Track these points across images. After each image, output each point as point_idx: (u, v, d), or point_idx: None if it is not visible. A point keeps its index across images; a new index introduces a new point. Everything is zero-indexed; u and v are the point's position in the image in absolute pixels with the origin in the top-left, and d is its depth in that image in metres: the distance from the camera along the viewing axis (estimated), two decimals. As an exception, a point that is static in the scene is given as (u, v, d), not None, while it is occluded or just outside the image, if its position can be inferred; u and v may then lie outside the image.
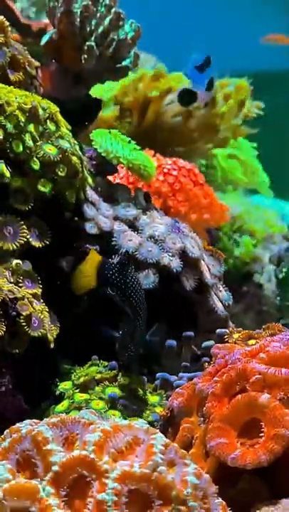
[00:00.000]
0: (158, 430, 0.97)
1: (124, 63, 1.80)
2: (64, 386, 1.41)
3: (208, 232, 2.65)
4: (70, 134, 1.51)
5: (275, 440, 1.05)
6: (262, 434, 1.07)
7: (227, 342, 1.44)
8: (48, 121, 1.46)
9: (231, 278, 2.72)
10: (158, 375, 1.47)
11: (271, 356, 1.17)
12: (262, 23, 4.79)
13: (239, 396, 1.12)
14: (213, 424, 1.12)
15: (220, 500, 0.97)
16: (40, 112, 1.44)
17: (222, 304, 1.67)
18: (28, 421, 0.99)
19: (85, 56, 1.72)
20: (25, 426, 0.97)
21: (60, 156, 1.44)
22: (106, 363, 1.45)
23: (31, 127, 1.42)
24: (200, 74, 1.88)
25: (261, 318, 2.71)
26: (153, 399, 1.41)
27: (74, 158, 1.46)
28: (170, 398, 1.29)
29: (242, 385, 1.15)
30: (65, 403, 1.37)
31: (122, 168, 1.94)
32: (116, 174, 2.12)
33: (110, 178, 1.85)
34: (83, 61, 1.73)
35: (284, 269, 2.78)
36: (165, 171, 2.42)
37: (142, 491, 0.88)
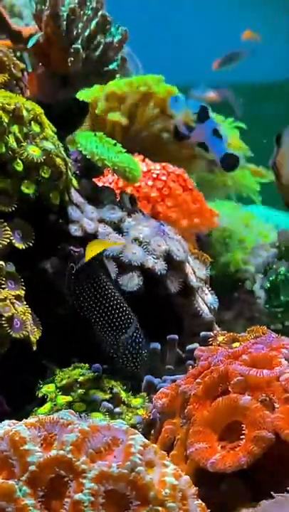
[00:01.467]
0: (137, 431, 0.96)
1: (110, 67, 1.80)
2: (47, 389, 1.40)
3: (198, 239, 2.65)
4: (55, 135, 1.50)
5: (255, 442, 1.04)
6: (243, 437, 1.06)
7: (211, 345, 1.43)
8: (32, 122, 1.45)
9: (222, 285, 2.71)
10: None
11: (253, 358, 1.17)
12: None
13: (220, 399, 1.12)
14: (194, 428, 1.11)
15: (199, 501, 0.96)
16: (24, 113, 1.43)
17: (207, 307, 1.66)
18: (6, 421, 0.98)
19: (71, 59, 1.72)
20: (3, 426, 0.96)
21: (44, 157, 1.44)
22: (88, 366, 1.44)
23: (15, 128, 1.42)
24: (217, 140, 1.93)
25: (252, 325, 2.70)
26: (136, 401, 1.40)
27: (58, 160, 1.45)
28: (154, 398, 1.28)
29: (224, 386, 1.14)
30: (47, 406, 1.36)
31: (112, 173, 1.94)
32: (105, 179, 2.12)
33: (100, 183, 1.85)
34: (69, 64, 1.73)
35: (270, 278, 2.77)
36: (154, 176, 2.41)
37: (120, 491, 0.88)
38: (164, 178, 2.40)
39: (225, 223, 2.85)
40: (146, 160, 2.43)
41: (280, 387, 1.10)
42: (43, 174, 1.44)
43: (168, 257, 1.59)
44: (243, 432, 1.07)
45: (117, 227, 1.62)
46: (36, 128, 1.46)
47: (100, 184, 1.90)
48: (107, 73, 1.80)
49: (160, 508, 0.88)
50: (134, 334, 1.43)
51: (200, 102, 2.01)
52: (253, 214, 3.31)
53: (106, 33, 1.77)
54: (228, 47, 4.70)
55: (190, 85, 2.86)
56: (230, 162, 2.00)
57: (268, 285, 2.73)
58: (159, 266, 1.56)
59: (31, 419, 0.97)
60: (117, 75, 1.84)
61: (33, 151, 1.43)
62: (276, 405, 1.09)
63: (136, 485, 0.88)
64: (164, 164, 2.45)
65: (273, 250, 2.85)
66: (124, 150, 1.70)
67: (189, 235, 2.46)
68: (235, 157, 2.02)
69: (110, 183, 2.18)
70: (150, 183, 2.37)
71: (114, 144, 1.70)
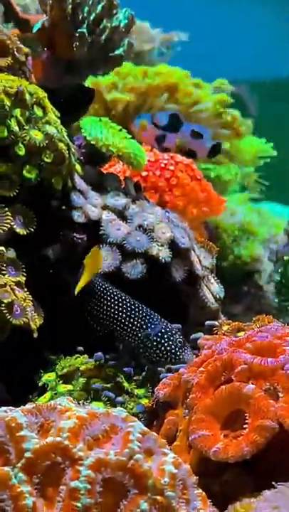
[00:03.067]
0: (136, 419, 0.94)
1: (117, 52, 1.77)
2: (48, 377, 1.38)
3: (207, 230, 2.63)
4: (58, 120, 1.48)
5: (259, 432, 1.02)
6: (246, 426, 1.04)
7: (216, 334, 1.41)
8: (34, 106, 1.43)
9: (232, 278, 2.70)
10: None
11: (258, 346, 1.14)
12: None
13: (223, 387, 1.09)
14: (196, 416, 1.09)
15: (200, 490, 0.94)
16: (27, 96, 1.41)
17: (213, 296, 1.64)
18: (3, 408, 0.96)
19: (77, 44, 1.69)
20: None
21: (47, 141, 1.41)
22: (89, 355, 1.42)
23: (17, 112, 1.40)
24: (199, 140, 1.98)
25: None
26: (139, 391, 1.38)
27: (61, 145, 1.43)
28: (156, 388, 1.26)
29: (228, 375, 1.12)
30: (47, 394, 1.34)
31: (120, 162, 1.91)
32: (113, 169, 2.10)
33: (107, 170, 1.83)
34: (75, 49, 1.70)
35: (280, 270, 2.75)
36: (162, 165, 2.39)
37: (117, 479, 0.85)
38: (172, 167, 2.38)
39: (236, 216, 2.84)
40: (154, 150, 2.42)
41: (285, 376, 1.07)
42: (45, 159, 1.41)
43: (173, 245, 1.56)
44: (247, 420, 1.04)
45: (121, 214, 1.59)
46: (39, 112, 1.43)
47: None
48: (113, 58, 1.77)
49: (159, 497, 0.86)
50: (163, 330, 1.41)
51: (167, 113, 2.02)
52: (265, 208, 3.30)
53: (112, 17, 1.74)
54: (243, 43, 4.69)
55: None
56: (215, 151, 2.06)
57: (278, 278, 2.72)
58: (164, 253, 1.53)
59: (28, 406, 0.95)
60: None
61: (36, 135, 1.41)
62: (280, 394, 1.06)
63: (134, 473, 0.86)
64: (172, 154, 2.43)
65: (284, 241, 2.83)
66: (130, 136, 1.67)
67: (198, 224, 2.45)
68: (219, 144, 2.12)
69: (118, 172, 2.16)
70: (158, 172, 2.36)
71: (120, 130, 1.67)
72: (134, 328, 1.40)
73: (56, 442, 0.87)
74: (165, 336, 1.39)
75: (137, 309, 1.41)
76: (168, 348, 1.39)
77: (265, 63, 4.59)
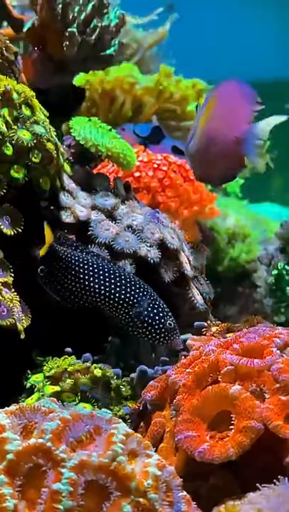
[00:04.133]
0: (121, 420, 0.93)
1: (108, 51, 1.77)
2: (35, 378, 1.37)
3: (202, 232, 2.62)
4: (47, 119, 1.47)
5: (244, 433, 1.01)
6: (232, 427, 1.03)
7: (205, 335, 1.40)
8: (22, 105, 1.42)
9: (226, 280, 2.69)
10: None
11: (245, 347, 1.14)
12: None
13: (210, 387, 1.09)
14: (182, 417, 1.08)
15: (184, 493, 0.93)
16: (15, 95, 1.40)
17: (203, 297, 1.63)
18: (-13, 409, 0.95)
19: (67, 43, 1.69)
20: (-18, 414, 0.93)
21: (35, 141, 1.40)
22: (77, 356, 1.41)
23: (5, 111, 1.39)
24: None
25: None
26: (127, 392, 1.37)
27: (49, 144, 1.42)
28: (143, 391, 1.25)
29: (214, 376, 1.12)
30: (35, 396, 1.33)
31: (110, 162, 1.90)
32: (105, 169, 2.09)
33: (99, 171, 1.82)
34: (65, 48, 1.70)
35: (274, 272, 2.74)
36: (155, 166, 2.38)
37: (100, 481, 0.85)
38: (164, 168, 2.37)
39: (230, 219, 2.83)
40: (148, 150, 2.41)
41: (271, 377, 1.07)
42: (33, 159, 1.40)
43: (162, 245, 1.56)
44: (233, 422, 1.04)
45: (110, 215, 1.58)
46: (27, 111, 1.42)
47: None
48: (104, 58, 1.77)
49: (142, 500, 0.85)
50: (151, 305, 1.39)
51: (150, 124, 2.01)
52: (260, 211, 3.30)
53: (103, 17, 1.73)
54: (241, 44, 4.68)
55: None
56: None
57: (272, 280, 2.71)
58: (153, 254, 1.53)
59: (12, 407, 0.94)
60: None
61: (24, 135, 1.40)
62: (266, 395, 1.06)
63: (116, 475, 0.85)
64: (165, 154, 2.42)
65: (276, 244, 2.82)
66: (120, 136, 1.67)
67: (191, 225, 2.44)
68: None
69: (110, 173, 2.16)
70: (151, 173, 2.35)
71: (110, 130, 1.66)
72: (123, 303, 1.38)
73: (39, 444, 0.86)
74: (156, 318, 1.38)
75: (124, 279, 1.40)
76: (158, 330, 1.38)
77: (266, 64, 4.58)
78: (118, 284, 1.38)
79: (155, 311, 1.38)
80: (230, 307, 2.78)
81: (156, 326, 1.38)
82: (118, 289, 1.38)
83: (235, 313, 2.76)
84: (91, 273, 1.38)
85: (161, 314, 1.38)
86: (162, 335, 1.38)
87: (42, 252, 1.37)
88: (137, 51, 2.81)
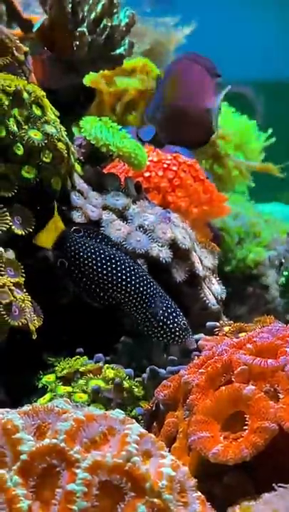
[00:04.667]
0: (134, 421, 0.93)
1: (118, 51, 1.76)
2: (47, 379, 1.37)
3: (212, 232, 2.62)
4: (57, 119, 1.47)
5: (258, 434, 1.00)
6: (246, 427, 1.03)
7: (217, 335, 1.40)
8: (33, 105, 1.41)
9: (236, 280, 2.68)
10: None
11: (258, 347, 1.13)
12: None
13: (223, 388, 1.08)
14: (196, 417, 1.08)
15: (198, 493, 0.93)
16: (25, 95, 1.40)
17: (214, 297, 1.62)
18: (0, 410, 0.95)
19: (77, 43, 1.68)
20: (-5, 415, 0.93)
21: (46, 141, 1.40)
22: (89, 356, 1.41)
23: (15, 111, 1.38)
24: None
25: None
26: (139, 392, 1.36)
27: (60, 144, 1.42)
28: (156, 391, 1.25)
29: (228, 376, 1.11)
30: (47, 396, 1.33)
31: (120, 162, 1.90)
32: (115, 169, 2.09)
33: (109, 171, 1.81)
34: (75, 48, 1.69)
35: (285, 272, 2.73)
36: (165, 166, 2.38)
37: (114, 482, 0.84)
38: (174, 168, 2.36)
39: (241, 221, 2.83)
40: (158, 150, 2.40)
41: (285, 377, 1.06)
42: (44, 159, 1.40)
43: (173, 245, 1.55)
44: (247, 422, 1.03)
45: (121, 215, 1.58)
46: (37, 111, 1.42)
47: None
48: (114, 58, 1.77)
49: (156, 500, 0.84)
50: (165, 304, 1.39)
51: (152, 129, 2.02)
52: (269, 211, 3.29)
53: (113, 16, 1.73)
54: (243, 45, 4.67)
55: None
56: None
57: (283, 281, 2.70)
58: (164, 254, 1.52)
59: (25, 408, 0.94)
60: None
61: (35, 135, 1.40)
62: (280, 396, 1.05)
63: (131, 476, 0.84)
64: (175, 154, 2.42)
65: (287, 244, 2.81)
66: (130, 136, 1.66)
67: (201, 225, 2.44)
68: None
69: (121, 173, 2.15)
70: (161, 173, 2.34)
71: (120, 130, 1.66)
72: (142, 302, 1.38)
73: (52, 445, 0.86)
74: (170, 317, 1.38)
75: (144, 278, 1.40)
76: (172, 330, 1.38)
77: (272, 64, 4.57)
78: (139, 281, 1.39)
79: (169, 310, 1.39)
80: (240, 307, 2.77)
81: (171, 326, 1.38)
82: (140, 287, 1.38)
83: (245, 313, 2.75)
84: (115, 266, 1.38)
85: (174, 314, 1.38)
86: (177, 334, 1.38)
87: (49, 239, 1.37)
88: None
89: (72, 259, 1.39)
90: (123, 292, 1.38)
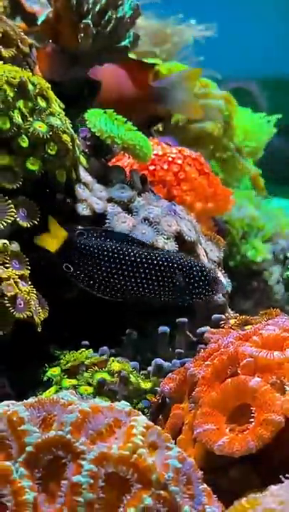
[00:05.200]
0: (140, 413, 0.93)
1: (123, 43, 1.76)
2: (52, 372, 1.37)
3: (217, 225, 2.61)
4: (62, 111, 1.46)
5: (265, 426, 1.00)
6: (252, 420, 1.02)
7: (223, 328, 1.39)
8: (38, 97, 1.41)
9: (241, 274, 2.68)
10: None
11: (264, 339, 1.13)
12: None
13: (229, 380, 1.08)
14: (202, 409, 1.08)
15: (204, 486, 0.92)
16: (30, 87, 1.39)
17: (220, 290, 1.62)
18: (5, 402, 0.94)
19: (82, 35, 1.68)
20: (1, 407, 0.92)
21: (51, 133, 1.39)
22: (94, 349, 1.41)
23: (20, 103, 1.37)
24: None
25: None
26: (145, 385, 1.36)
27: (65, 136, 1.41)
28: (161, 383, 1.24)
29: (234, 369, 1.11)
30: (52, 389, 1.33)
31: (128, 156, 1.89)
32: (120, 162, 2.08)
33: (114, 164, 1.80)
34: (80, 40, 1.69)
35: (289, 266, 2.73)
36: (170, 159, 2.37)
37: (121, 474, 0.84)
38: (179, 161, 2.36)
39: (244, 212, 2.82)
40: (162, 143, 2.40)
41: (292, 370, 1.05)
42: (49, 151, 1.39)
43: (179, 238, 1.55)
44: (253, 414, 1.03)
45: (127, 207, 1.57)
46: (42, 103, 1.41)
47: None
48: (119, 50, 1.76)
49: (162, 492, 0.84)
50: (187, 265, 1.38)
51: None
52: (274, 204, 3.29)
53: (118, 8, 1.72)
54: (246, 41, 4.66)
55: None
56: None
57: (288, 275, 2.70)
58: (170, 246, 1.52)
59: (30, 400, 0.93)
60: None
61: (39, 127, 1.39)
62: (287, 388, 1.05)
63: (137, 467, 0.84)
64: (180, 148, 2.42)
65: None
66: (136, 128, 1.66)
67: (205, 219, 2.43)
68: None
69: (126, 166, 2.15)
70: (166, 166, 2.34)
71: (125, 122, 1.65)
72: (156, 286, 1.37)
73: (58, 436, 0.86)
74: (196, 277, 1.37)
75: (152, 263, 1.39)
76: (205, 285, 1.37)
77: (278, 60, 4.56)
78: (151, 268, 1.38)
79: (195, 272, 1.37)
80: (246, 301, 2.77)
81: (201, 283, 1.37)
82: (152, 275, 1.37)
83: (251, 307, 2.75)
84: (123, 262, 1.38)
85: (196, 271, 1.36)
86: (209, 288, 1.37)
87: (53, 243, 1.36)
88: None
89: (78, 264, 1.39)
90: (138, 283, 1.37)
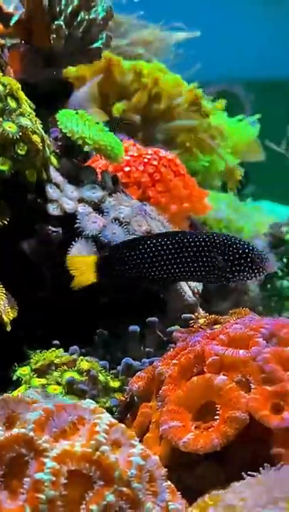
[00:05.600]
0: (105, 411, 0.93)
1: (95, 44, 1.76)
2: (22, 371, 1.37)
3: (194, 227, 2.62)
4: (33, 112, 1.46)
5: (229, 423, 1.01)
6: (217, 417, 1.03)
7: (192, 327, 1.40)
8: (8, 97, 1.41)
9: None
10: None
11: (231, 338, 1.14)
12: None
13: (195, 378, 1.09)
14: (168, 407, 1.08)
15: (168, 483, 0.93)
16: (0, 88, 1.39)
17: (191, 289, 1.62)
18: None
19: (54, 36, 1.68)
20: None
21: (20, 134, 1.40)
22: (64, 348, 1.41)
23: (-11, 104, 1.38)
24: None
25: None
26: (114, 384, 1.36)
27: (35, 137, 1.41)
28: (130, 382, 1.25)
29: (200, 367, 1.11)
30: (21, 389, 1.33)
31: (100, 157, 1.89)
32: (95, 164, 2.08)
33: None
34: (52, 42, 1.69)
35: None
36: (145, 160, 2.37)
37: (83, 471, 0.84)
38: (155, 162, 2.36)
39: (222, 213, 2.83)
40: (138, 145, 2.40)
41: (257, 368, 1.06)
42: (19, 151, 1.40)
43: (149, 238, 1.55)
44: (218, 412, 1.03)
45: (97, 207, 1.57)
46: (12, 103, 1.41)
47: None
48: (91, 51, 1.76)
49: (125, 489, 0.85)
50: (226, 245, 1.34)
51: None
52: (253, 204, 3.30)
53: (90, 10, 1.73)
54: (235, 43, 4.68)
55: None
56: None
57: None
58: (140, 246, 1.52)
59: (-5, 399, 0.94)
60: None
61: (9, 127, 1.39)
62: (252, 386, 1.05)
63: (100, 465, 0.84)
64: (155, 149, 2.42)
65: (267, 240, 2.82)
66: (107, 129, 1.66)
67: (180, 220, 2.43)
68: None
69: (100, 168, 2.15)
70: (141, 168, 2.34)
71: (97, 123, 1.65)
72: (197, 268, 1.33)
73: (21, 434, 0.86)
74: (236, 256, 1.30)
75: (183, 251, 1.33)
76: (250, 264, 1.32)
77: (262, 63, 4.58)
78: (181, 256, 1.33)
79: (235, 250, 1.32)
80: (223, 302, 2.78)
81: (243, 261, 1.32)
82: (192, 253, 1.33)
83: (228, 308, 2.75)
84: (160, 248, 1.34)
85: (237, 249, 1.32)
86: (255, 267, 1.32)
87: (90, 276, 1.34)
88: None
89: (119, 276, 1.35)
90: (178, 266, 1.32)
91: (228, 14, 4.93)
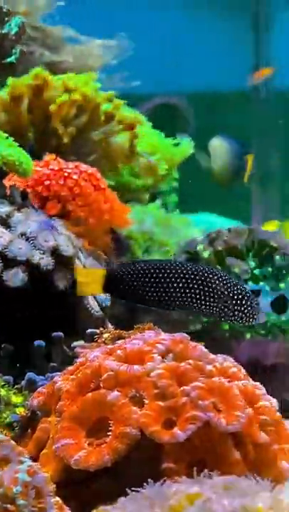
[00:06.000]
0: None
1: (8, 60, 1.77)
2: None
3: (117, 241, 2.62)
4: None
5: (120, 439, 1.03)
6: (110, 433, 1.05)
7: (97, 342, 1.41)
8: None
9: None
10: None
11: (127, 353, 1.15)
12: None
13: (89, 394, 1.10)
14: (62, 424, 1.09)
15: (56, 499, 0.94)
16: None
17: (98, 304, 1.64)
18: None
19: None
20: None
21: None
22: None
23: None
24: None
25: (174, 329, 2.68)
26: (16, 399, 1.36)
27: None
28: (31, 397, 1.25)
29: (97, 382, 1.12)
30: None
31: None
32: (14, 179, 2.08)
33: (10, 182, 1.80)
34: None
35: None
36: (65, 174, 2.37)
37: None
38: (75, 177, 2.36)
39: (146, 226, 2.83)
40: (59, 159, 2.40)
41: (150, 383, 1.08)
42: None
43: (56, 253, 1.56)
44: (111, 428, 1.05)
45: (4, 222, 1.57)
46: None
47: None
48: (4, 66, 1.77)
49: (10, 506, 0.85)
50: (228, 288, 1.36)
51: None
52: (181, 217, 3.31)
53: (3, 25, 1.73)
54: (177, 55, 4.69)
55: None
56: None
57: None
58: (46, 261, 1.53)
59: None
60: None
61: None
62: (145, 401, 1.07)
63: (-16, 482, 0.85)
64: (76, 163, 2.42)
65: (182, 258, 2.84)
66: (17, 144, 1.66)
67: (101, 234, 2.44)
68: None
69: (21, 182, 2.15)
70: (61, 181, 2.34)
71: (6, 138, 1.66)
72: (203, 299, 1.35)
73: None
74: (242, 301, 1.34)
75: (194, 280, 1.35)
76: (247, 311, 1.34)
77: (207, 76, 4.60)
78: (191, 285, 1.35)
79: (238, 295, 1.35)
80: (147, 317, 2.78)
81: (244, 302, 1.34)
82: (194, 288, 1.35)
83: (152, 321, 2.76)
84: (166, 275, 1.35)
85: (241, 296, 1.35)
86: (251, 313, 1.35)
87: (98, 287, 1.35)
88: None
89: (126, 291, 1.36)
90: (183, 294, 1.34)
91: (167, 27, 4.95)
